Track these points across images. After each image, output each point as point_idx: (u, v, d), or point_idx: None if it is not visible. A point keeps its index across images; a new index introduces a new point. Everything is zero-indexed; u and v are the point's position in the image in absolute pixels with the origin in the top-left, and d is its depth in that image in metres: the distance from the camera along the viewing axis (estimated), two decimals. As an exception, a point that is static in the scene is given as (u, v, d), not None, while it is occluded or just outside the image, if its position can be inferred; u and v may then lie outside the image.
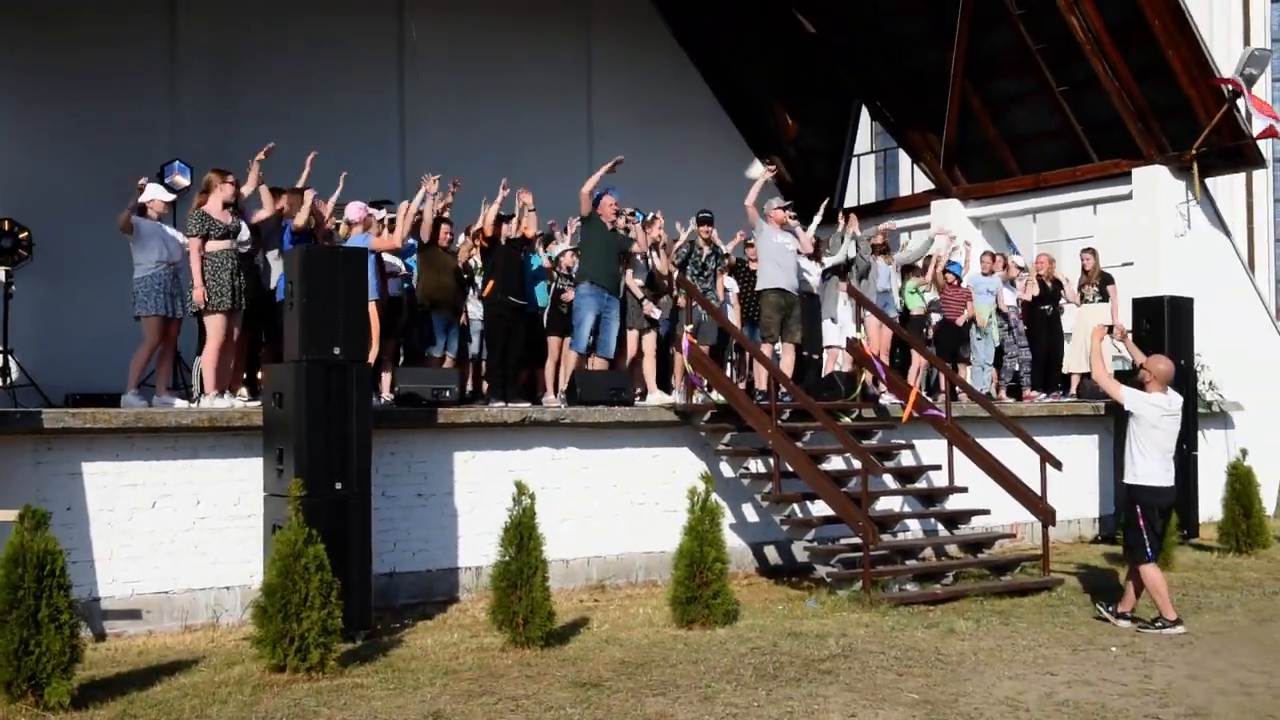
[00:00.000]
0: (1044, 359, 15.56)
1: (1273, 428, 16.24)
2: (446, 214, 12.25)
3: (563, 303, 12.32)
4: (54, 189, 14.61)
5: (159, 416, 9.31)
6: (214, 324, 10.05)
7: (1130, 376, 14.20)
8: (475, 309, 12.48)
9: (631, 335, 12.35)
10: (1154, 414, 9.30)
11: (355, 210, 11.25)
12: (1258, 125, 15.78)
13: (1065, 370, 15.61)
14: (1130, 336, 10.63)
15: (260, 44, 16.40)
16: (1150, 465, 9.28)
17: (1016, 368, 15.38)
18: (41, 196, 14.45)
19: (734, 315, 13.69)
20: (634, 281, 12.36)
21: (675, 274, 12.91)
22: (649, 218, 12.86)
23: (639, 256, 12.44)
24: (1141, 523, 9.22)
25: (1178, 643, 8.75)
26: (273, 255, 11.02)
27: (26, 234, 13.93)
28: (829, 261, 13.77)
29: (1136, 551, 9.28)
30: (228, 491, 9.52)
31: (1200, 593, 10.73)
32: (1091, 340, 9.90)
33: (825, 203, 14.48)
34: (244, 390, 10.72)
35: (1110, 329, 9.99)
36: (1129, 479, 9.43)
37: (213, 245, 10.06)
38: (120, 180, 13.59)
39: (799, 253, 12.86)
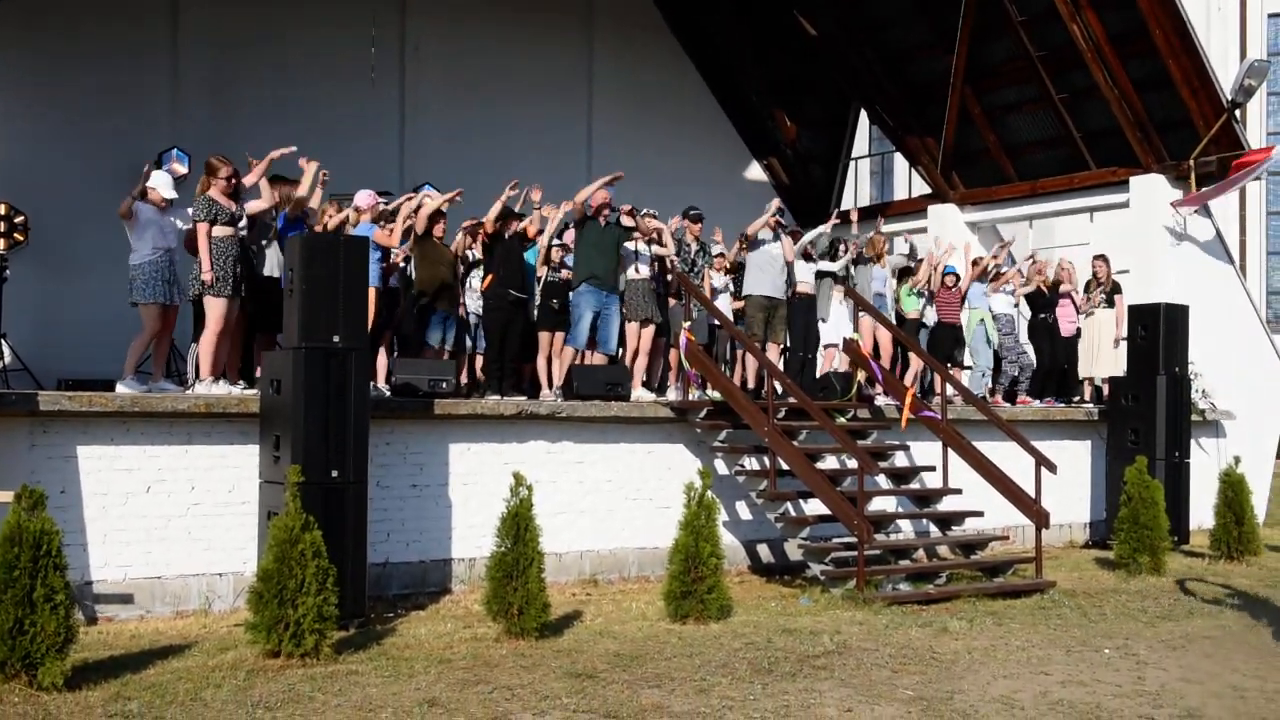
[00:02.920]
0: (1045, 366, 15.56)
1: (1263, 436, 16.30)
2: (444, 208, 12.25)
3: (553, 298, 12.29)
4: (53, 174, 14.57)
5: (155, 401, 9.29)
6: (215, 309, 10.01)
7: (1118, 380, 14.30)
8: (474, 302, 12.47)
9: (631, 328, 12.33)
10: None
11: (364, 198, 11.22)
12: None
13: (1082, 375, 15.61)
14: None
15: (262, 35, 16.37)
16: None
17: (1015, 373, 15.40)
18: (40, 181, 14.42)
19: (726, 313, 13.69)
20: (639, 275, 12.34)
21: (673, 264, 12.88)
22: (644, 213, 12.84)
23: (639, 249, 12.38)
24: None
25: (1171, 646, 8.77)
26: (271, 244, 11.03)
27: (24, 218, 13.92)
28: (821, 266, 13.80)
29: None
30: (222, 478, 9.50)
31: (1192, 598, 10.75)
32: None
33: (835, 213, 14.40)
34: (239, 378, 10.69)
35: None
36: None
37: (218, 231, 10.03)
38: (119, 167, 13.62)
39: (786, 259, 12.91)
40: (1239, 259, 23.65)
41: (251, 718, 6.47)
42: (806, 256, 13.74)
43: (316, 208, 11.08)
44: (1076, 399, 15.58)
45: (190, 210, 10.35)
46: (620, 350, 12.49)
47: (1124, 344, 15.08)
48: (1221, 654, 8.56)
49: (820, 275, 13.85)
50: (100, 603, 9.00)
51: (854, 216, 14.27)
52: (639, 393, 12.12)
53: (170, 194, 10.18)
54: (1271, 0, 30.69)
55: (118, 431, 9.14)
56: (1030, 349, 15.66)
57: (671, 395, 12.52)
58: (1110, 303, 15.27)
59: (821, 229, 13.94)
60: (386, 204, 11.85)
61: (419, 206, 11.71)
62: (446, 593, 10.34)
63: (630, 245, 12.39)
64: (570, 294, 12.10)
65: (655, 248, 12.54)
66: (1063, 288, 15.83)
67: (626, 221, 12.30)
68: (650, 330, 12.45)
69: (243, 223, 10.40)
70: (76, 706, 6.57)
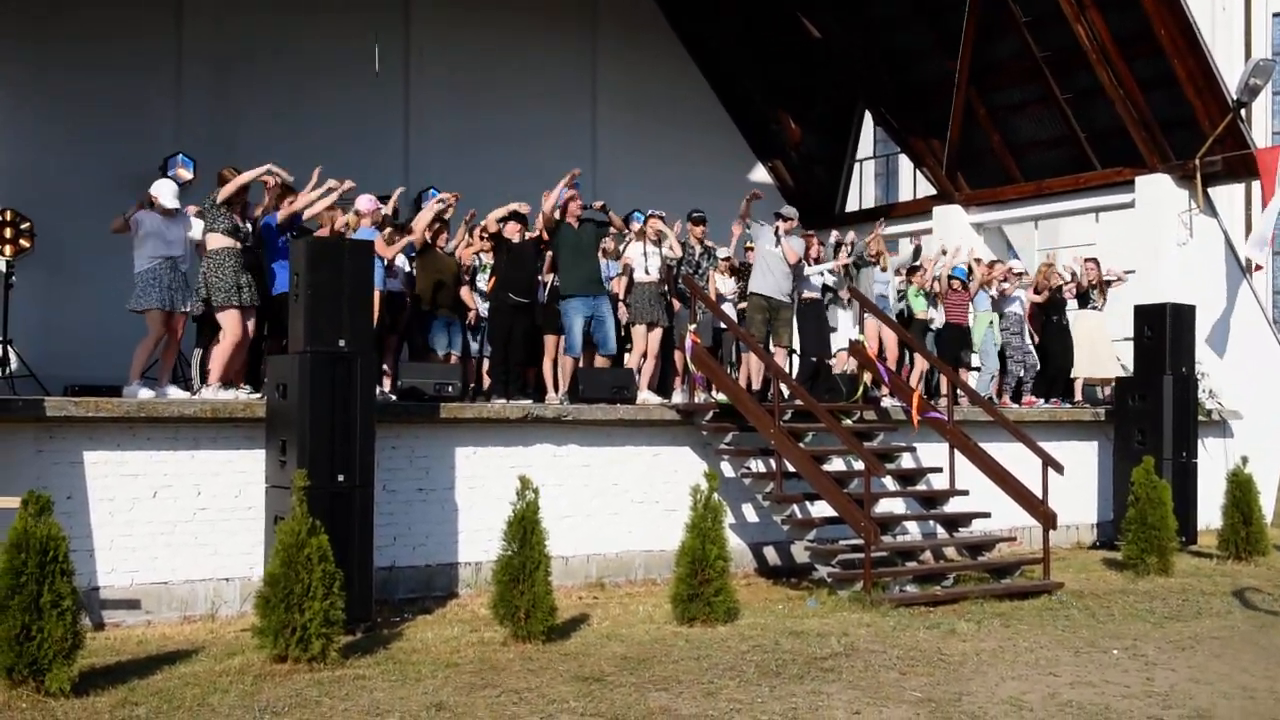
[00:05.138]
0: (1055, 367, 15.48)
1: (1271, 435, 16.25)
2: (446, 215, 12.25)
3: (556, 302, 12.27)
4: (58, 180, 14.58)
5: (161, 407, 9.29)
6: (228, 320, 10.00)
7: (1125, 381, 14.30)
8: (482, 305, 12.46)
9: (638, 331, 12.29)
10: None
11: (366, 202, 11.23)
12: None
13: (1073, 375, 15.56)
14: None
15: (266, 39, 16.39)
16: None
17: (1021, 373, 15.34)
18: (45, 187, 14.41)
19: (731, 315, 13.66)
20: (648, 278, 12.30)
21: (677, 270, 12.86)
22: (650, 214, 12.79)
23: (647, 250, 12.32)
24: None
25: (1179, 647, 8.74)
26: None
27: (29, 224, 13.91)
28: (825, 280, 13.76)
29: None
30: (229, 483, 9.50)
31: (1201, 599, 10.72)
32: None
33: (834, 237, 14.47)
34: (245, 384, 10.68)
35: None
36: None
37: (218, 241, 10.03)
38: (125, 173, 13.68)
39: (789, 262, 12.89)
40: (1245, 258, 23.57)
41: (259, 723, 6.47)
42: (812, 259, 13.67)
43: (324, 215, 11.06)
44: (1078, 400, 15.55)
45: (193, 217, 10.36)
46: (629, 350, 12.47)
47: (1109, 345, 15.17)
48: (1230, 654, 8.53)
49: (825, 290, 13.82)
50: (107, 608, 9.00)
51: (879, 227, 14.51)
52: (645, 395, 12.09)
53: (173, 204, 10.10)
54: (1276, 0, 30.64)
55: (124, 437, 9.14)
56: (1033, 350, 15.58)
57: (677, 398, 12.50)
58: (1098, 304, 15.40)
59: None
60: (386, 207, 11.84)
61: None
62: (453, 597, 10.33)
63: (639, 247, 12.37)
64: (559, 304, 12.07)
65: (664, 250, 12.52)
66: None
67: (617, 225, 12.25)
68: (657, 333, 12.40)
69: (248, 235, 10.37)
70: (84, 712, 6.57)
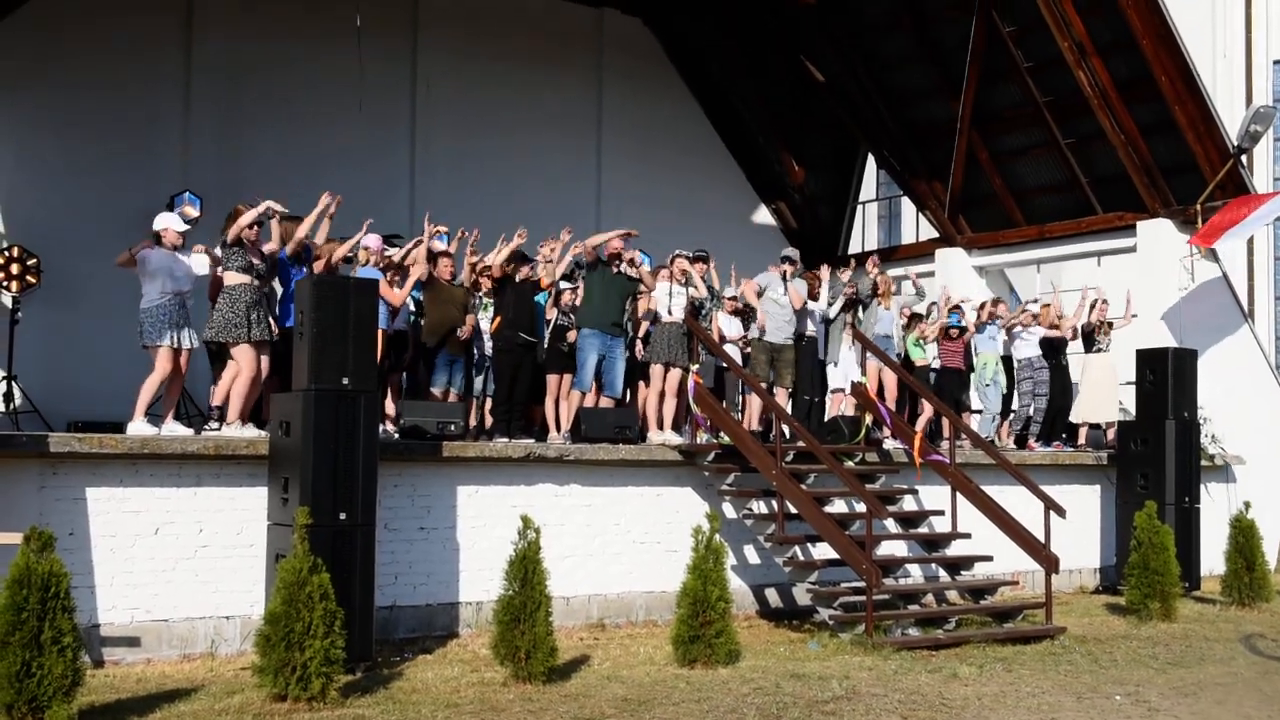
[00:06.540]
0: (1055, 409, 15.47)
1: (1274, 481, 16.22)
2: (448, 248, 12.30)
3: (562, 341, 12.33)
4: (64, 216, 14.63)
5: (164, 443, 9.30)
6: (242, 355, 10.02)
7: (1127, 425, 14.33)
8: (487, 344, 12.47)
9: (656, 370, 12.27)
10: None
11: (374, 240, 11.28)
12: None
13: (1075, 419, 15.52)
14: None
15: (273, 78, 16.48)
16: None
17: (1028, 415, 15.30)
18: (51, 224, 14.47)
19: (734, 356, 13.68)
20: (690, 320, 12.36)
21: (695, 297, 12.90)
22: (676, 254, 12.73)
23: (672, 290, 12.36)
24: None
25: (1183, 692, 8.70)
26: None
27: (35, 260, 13.98)
28: (830, 312, 13.82)
29: None
30: (230, 520, 9.50)
31: (1204, 644, 10.68)
32: None
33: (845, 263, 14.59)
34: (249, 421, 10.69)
35: None
36: None
37: (233, 278, 10.07)
38: (131, 209, 13.72)
39: (794, 307, 12.94)
40: (1247, 303, 23.61)
41: (257, 762, 6.44)
42: (813, 296, 13.73)
43: (320, 243, 11.09)
44: (1081, 444, 15.54)
45: (219, 254, 10.41)
46: (628, 392, 12.48)
47: (1117, 389, 15.13)
48: (1234, 701, 8.49)
49: (828, 322, 13.87)
50: (107, 645, 8.97)
51: (875, 263, 14.54)
52: (667, 435, 12.07)
53: (181, 227, 10.21)
54: (1277, 46, 30.85)
55: (127, 473, 9.15)
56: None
57: (679, 438, 12.50)
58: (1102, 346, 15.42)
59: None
60: (395, 247, 11.89)
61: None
62: (454, 636, 10.30)
63: (665, 287, 12.34)
64: (576, 336, 12.14)
65: (690, 290, 12.52)
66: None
67: (630, 272, 12.36)
68: (676, 374, 12.34)
69: (263, 271, 10.41)
70: (82, 750, 6.56)
